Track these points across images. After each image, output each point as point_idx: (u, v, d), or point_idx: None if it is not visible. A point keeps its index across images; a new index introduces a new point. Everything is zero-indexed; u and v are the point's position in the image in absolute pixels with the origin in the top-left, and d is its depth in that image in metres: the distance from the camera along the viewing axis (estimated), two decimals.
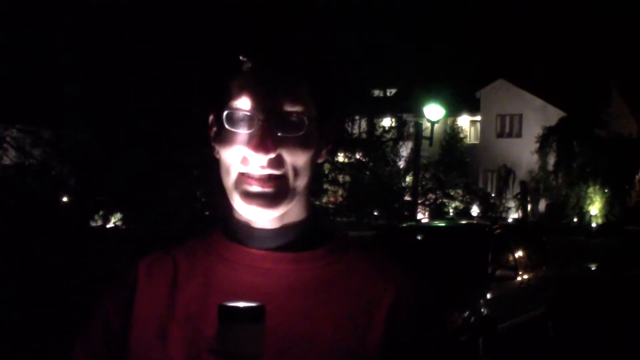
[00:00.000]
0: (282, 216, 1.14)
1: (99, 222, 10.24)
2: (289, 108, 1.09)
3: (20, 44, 8.05)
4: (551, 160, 35.99)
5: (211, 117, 1.18)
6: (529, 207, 36.14)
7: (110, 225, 10.38)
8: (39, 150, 9.91)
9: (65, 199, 10.20)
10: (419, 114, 23.27)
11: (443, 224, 12.14)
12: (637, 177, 37.40)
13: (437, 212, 31.14)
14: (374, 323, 1.11)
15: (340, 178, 15.12)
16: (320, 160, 1.18)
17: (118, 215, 10.28)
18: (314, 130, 1.12)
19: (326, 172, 13.59)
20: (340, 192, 16.59)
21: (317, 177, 12.44)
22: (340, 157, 14.82)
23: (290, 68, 1.10)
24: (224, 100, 1.11)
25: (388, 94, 36.46)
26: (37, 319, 6.76)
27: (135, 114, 7.97)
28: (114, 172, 8.59)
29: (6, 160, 9.85)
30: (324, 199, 15.29)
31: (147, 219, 8.99)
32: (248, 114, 1.09)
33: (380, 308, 1.12)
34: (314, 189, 12.43)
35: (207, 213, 8.30)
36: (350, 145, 14.71)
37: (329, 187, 14.64)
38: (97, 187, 9.57)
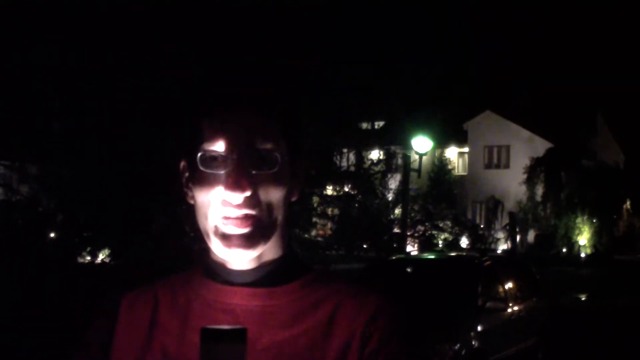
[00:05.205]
0: (259, 256, 1.14)
1: (87, 258, 10.18)
2: (262, 146, 1.10)
3: (4, 76, 8.05)
4: (539, 190, 36.16)
5: (182, 163, 1.18)
6: (518, 237, 36.17)
7: (98, 261, 10.31)
8: (26, 187, 9.86)
9: (52, 235, 10.13)
10: (407, 146, 23.38)
11: (432, 256, 12.12)
12: (624, 206, 37.57)
13: (426, 244, 31.13)
14: (349, 354, 1.11)
15: (329, 211, 15.12)
16: (293, 199, 1.18)
17: (106, 252, 10.22)
18: (287, 168, 1.13)
19: (315, 205, 13.58)
20: (329, 225, 16.58)
21: (306, 210, 12.45)
22: (329, 190, 14.83)
23: (261, 108, 1.11)
24: (197, 144, 1.11)
25: (376, 126, 36.63)
26: (23, 353, 6.70)
27: (120, 148, 7.98)
28: (99, 207, 8.57)
29: None
30: (313, 232, 15.27)
31: (134, 254, 8.94)
32: (222, 154, 1.09)
33: (355, 339, 1.12)
34: (303, 223, 12.41)
35: (196, 247, 8.24)
36: (338, 178, 14.74)
37: (318, 220, 14.62)
38: (84, 223, 9.52)
